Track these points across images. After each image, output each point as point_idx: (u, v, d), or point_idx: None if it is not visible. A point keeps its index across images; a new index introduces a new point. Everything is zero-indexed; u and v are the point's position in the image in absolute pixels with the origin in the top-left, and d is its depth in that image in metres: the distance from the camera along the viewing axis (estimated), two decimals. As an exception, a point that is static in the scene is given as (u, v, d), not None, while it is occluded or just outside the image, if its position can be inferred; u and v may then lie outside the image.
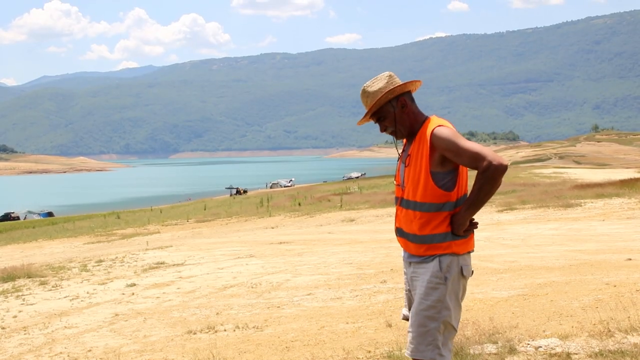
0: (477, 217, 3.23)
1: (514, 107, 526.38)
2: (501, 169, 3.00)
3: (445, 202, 3.14)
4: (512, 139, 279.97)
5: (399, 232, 3.34)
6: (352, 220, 21.17)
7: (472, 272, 3.30)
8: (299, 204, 34.66)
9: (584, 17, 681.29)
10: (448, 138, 3.08)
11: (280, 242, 14.52)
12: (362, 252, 11.47)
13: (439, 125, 3.15)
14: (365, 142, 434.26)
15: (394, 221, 3.42)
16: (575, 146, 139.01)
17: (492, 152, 3.04)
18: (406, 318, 3.39)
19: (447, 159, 3.12)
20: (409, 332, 3.20)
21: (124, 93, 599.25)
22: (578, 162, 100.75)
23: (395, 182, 3.41)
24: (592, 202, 19.44)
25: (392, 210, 23.58)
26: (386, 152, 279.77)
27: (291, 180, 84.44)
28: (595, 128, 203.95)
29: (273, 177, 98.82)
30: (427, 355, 3.11)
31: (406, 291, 3.42)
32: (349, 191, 43.84)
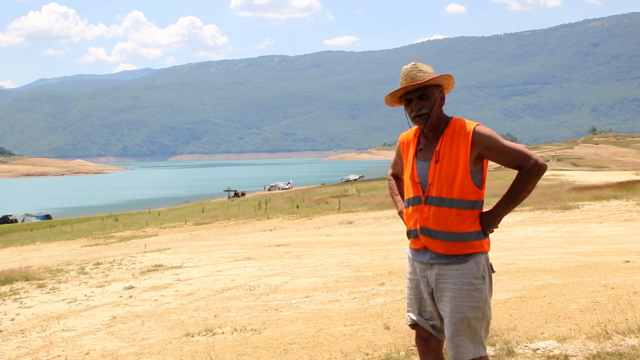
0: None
1: (511, 109, 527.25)
2: (544, 168, 3.11)
3: (477, 200, 3.14)
4: (510, 141, 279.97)
5: (425, 232, 3.20)
6: (350, 223, 21.16)
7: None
8: (297, 207, 34.66)
9: (582, 19, 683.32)
10: (491, 136, 3.12)
11: (278, 245, 14.51)
12: (360, 254, 11.47)
13: (478, 125, 3.16)
14: (363, 144, 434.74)
15: (409, 222, 3.29)
16: (573, 148, 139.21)
17: (534, 153, 3.11)
18: (414, 324, 3.30)
19: (479, 158, 3.13)
20: (453, 337, 3.12)
21: (122, 95, 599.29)
22: (576, 165, 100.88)
23: (411, 180, 3.28)
24: (589, 205, 19.47)
25: (391, 212, 23.56)
26: (384, 155, 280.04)
27: (289, 183, 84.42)
28: (593, 130, 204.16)
29: (271, 180, 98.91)
30: (477, 354, 3.12)
31: (414, 296, 3.31)
32: (347, 193, 43.85)
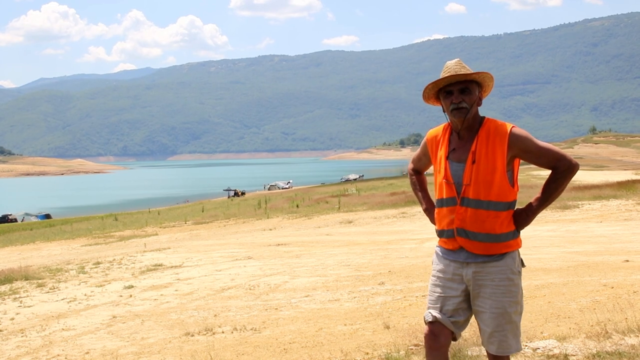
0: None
1: (511, 109, 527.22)
2: (577, 167, 3.20)
3: (513, 201, 3.19)
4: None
5: (462, 233, 3.19)
6: (350, 222, 21.16)
7: None
8: (297, 206, 34.66)
9: (582, 19, 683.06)
10: (528, 138, 3.18)
11: (278, 244, 14.51)
12: (360, 254, 11.47)
13: (514, 127, 3.19)
14: (362, 144, 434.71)
15: (442, 222, 3.28)
16: (572, 148, 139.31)
17: (567, 152, 3.18)
18: (435, 321, 3.24)
19: (512, 159, 3.17)
20: (495, 332, 3.16)
21: (121, 95, 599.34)
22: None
23: (444, 180, 3.26)
24: (589, 204, 19.48)
25: (391, 212, 23.59)
26: (384, 154, 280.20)
27: (289, 182, 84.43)
28: (593, 130, 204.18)
29: (271, 179, 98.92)
30: (519, 348, 3.21)
31: (439, 293, 3.27)
32: (346, 193, 43.86)
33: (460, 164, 3.20)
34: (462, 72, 3.18)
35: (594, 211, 17.53)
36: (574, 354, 4.40)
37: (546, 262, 8.85)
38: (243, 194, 67.85)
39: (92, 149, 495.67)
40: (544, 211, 18.84)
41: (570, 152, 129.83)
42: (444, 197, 3.26)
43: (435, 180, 3.35)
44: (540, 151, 3.16)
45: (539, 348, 4.56)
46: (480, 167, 3.13)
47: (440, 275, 3.31)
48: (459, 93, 3.20)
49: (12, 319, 7.45)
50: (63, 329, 6.73)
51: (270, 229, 21.74)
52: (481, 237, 3.15)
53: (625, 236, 11.55)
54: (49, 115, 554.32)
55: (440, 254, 3.34)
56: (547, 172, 3.25)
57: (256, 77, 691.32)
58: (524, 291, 6.70)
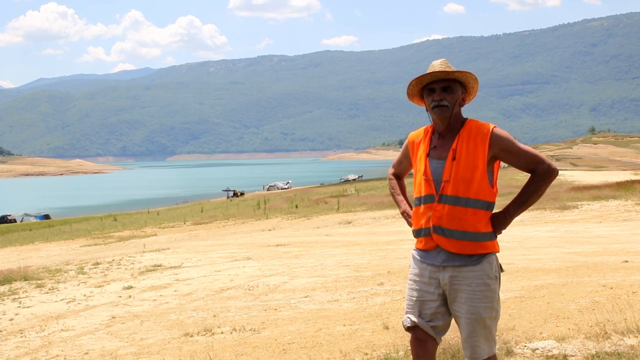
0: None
1: (510, 109, 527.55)
2: (556, 173, 3.16)
3: (492, 202, 3.16)
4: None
5: (438, 230, 3.18)
6: (349, 223, 21.17)
7: None
8: (296, 206, 34.66)
9: (581, 19, 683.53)
10: (508, 138, 3.15)
11: (277, 245, 14.51)
12: (359, 254, 11.47)
13: (496, 127, 3.18)
14: (362, 144, 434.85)
15: (419, 220, 3.26)
16: (572, 148, 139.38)
17: (547, 157, 3.15)
18: (414, 326, 3.23)
19: (492, 159, 3.16)
20: (469, 337, 3.14)
21: (121, 95, 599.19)
22: (575, 164, 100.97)
23: (424, 177, 3.25)
24: (588, 204, 19.48)
25: (390, 212, 23.58)
26: (383, 154, 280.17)
27: (288, 183, 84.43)
28: (592, 130, 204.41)
29: (270, 180, 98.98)
30: (491, 352, 3.19)
31: (416, 298, 3.26)
32: (346, 193, 43.87)
33: (440, 161, 3.20)
34: (446, 70, 3.20)
35: (593, 212, 17.54)
36: (573, 354, 4.40)
37: (545, 262, 8.85)
38: (242, 194, 67.86)
39: (91, 149, 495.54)
40: (542, 212, 18.78)
41: (569, 152, 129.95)
42: (422, 194, 3.25)
43: (415, 179, 3.34)
44: (519, 152, 3.14)
45: (538, 348, 4.57)
46: (460, 164, 3.13)
47: (417, 279, 3.29)
48: (441, 91, 3.21)
49: (11, 319, 7.44)
50: (62, 330, 6.73)
51: (270, 230, 21.74)
52: (457, 234, 3.13)
53: (624, 237, 11.56)
54: (48, 116, 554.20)
55: (417, 257, 3.31)
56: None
57: (255, 77, 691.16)
58: (523, 291, 6.73)
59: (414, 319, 3.25)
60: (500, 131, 3.15)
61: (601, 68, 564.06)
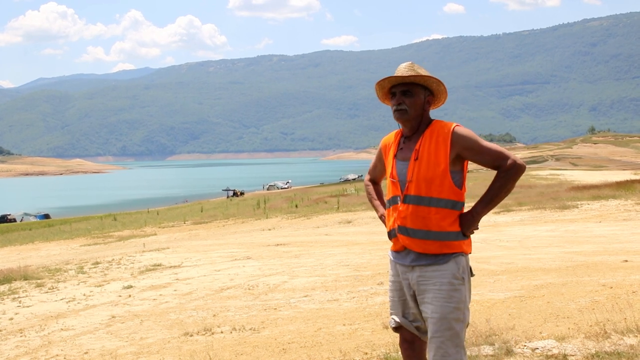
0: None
1: (510, 109, 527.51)
2: (523, 168, 3.12)
3: (458, 201, 3.14)
4: (508, 140, 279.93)
5: (402, 230, 3.21)
6: (349, 222, 21.17)
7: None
8: (296, 206, 34.66)
9: (580, 19, 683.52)
10: (470, 137, 3.13)
11: (277, 244, 14.51)
12: (359, 253, 11.47)
13: (458, 125, 3.18)
14: (361, 143, 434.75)
15: (389, 222, 3.32)
16: (571, 148, 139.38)
17: (513, 153, 3.11)
18: (398, 326, 3.30)
19: (458, 158, 3.14)
20: (433, 338, 3.11)
21: (120, 95, 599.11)
22: (574, 164, 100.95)
23: (390, 179, 3.30)
24: (588, 204, 19.48)
25: (389, 212, 23.56)
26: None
27: (288, 182, 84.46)
28: (592, 130, 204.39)
29: (270, 179, 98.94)
30: (457, 358, 3.10)
31: (397, 298, 3.31)
32: (345, 193, 43.85)
33: (405, 162, 3.23)
34: (409, 73, 3.22)
35: (593, 211, 17.54)
36: (572, 354, 4.40)
37: (545, 262, 8.85)
38: (242, 194, 67.85)
39: (90, 149, 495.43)
40: (542, 211, 18.74)
41: (569, 151, 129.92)
42: (390, 196, 3.30)
43: (387, 181, 3.38)
44: (482, 150, 3.12)
45: (537, 348, 4.57)
46: (422, 164, 3.15)
47: (393, 279, 3.34)
48: (400, 95, 3.24)
49: (11, 319, 7.44)
50: (62, 329, 6.73)
51: (269, 229, 21.74)
52: (420, 234, 3.14)
53: (624, 236, 11.56)
54: (48, 115, 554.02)
55: (391, 258, 3.35)
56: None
57: (255, 77, 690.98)
58: (523, 291, 6.73)
59: (397, 319, 3.31)
60: (462, 130, 3.15)
61: (601, 68, 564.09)
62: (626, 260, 8.42)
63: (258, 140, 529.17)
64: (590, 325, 5.04)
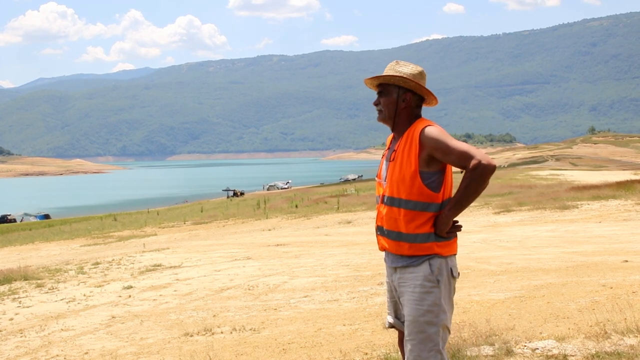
0: (474, 219, 3.24)
1: (510, 109, 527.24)
2: (490, 168, 3.00)
3: (430, 203, 3.11)
4: (508, 140, 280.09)
5: (380, 230, 3.28)
6: (349, 222, 21.17)
7: (459, 273, 3.26)
8: (296, 206, 34.66)
9: (580, 19, 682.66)
10: (437, 137, 3.09)
11: (277, 244, 14.51)
12: (359, 254, 11.47)
13: (428, 125, 3.16)
14: (362, 144, 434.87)
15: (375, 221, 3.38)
16: (571, 148, 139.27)
17: (482, 152, 3.03)
18: (392, 326, 3.36)
19: (434, 159, 3.11)
20: (406, 340, 3.13)
21: (120, 95, 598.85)
22: (574, 164, 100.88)
23: (376, 179, 3.38)
24: (588, 204, 19.48)
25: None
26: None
27: (288, 182, 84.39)
28: (592, 130, 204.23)
29: (270, 179, 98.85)
30: None
31: (389, 299, 3.37)
32: (345, 193, 43.84)
33: (387, 162, 3.28)
34: (385, 74, 3.27)
35: (593, 211, 17.54)
36: (572, 354, 4.40)
37: (545, 262, 8.85)
38: (242, 194, 67.82)
39: (91, 149, 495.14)
40: (542, 211, 18.73)
41: (569, 151, 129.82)
42: (376, 195, 3.37)
43: None
44: (448, 149, 3.05)
45: (537, 348, 4.57)
46: (396, 165, 3.17)
47: (386, 280, 3.40)
48: (378, 95, 3.31)
49: (11, 319, 7.44)
50: (62, 330, 6.73)
51: (269, 229, 21.74)
52: (393, 235, 3.19)
53: (624, 236, 11.56)
54: (48, 115, 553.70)
55: (384, 258, 3.40)
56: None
57: (255, 77, 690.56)
58: (523, 291, 6.72)
59: (390, 319, 3.37)
60: (431, 130, 3.12)
61: (601, 68, 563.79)
62: (626, 261, 8.42)
63: (258, 141, 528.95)
64: (591, 326, 5.05)
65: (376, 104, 3.30)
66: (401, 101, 3.24)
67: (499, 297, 6.55)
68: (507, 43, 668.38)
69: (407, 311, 3.14)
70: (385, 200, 3.22)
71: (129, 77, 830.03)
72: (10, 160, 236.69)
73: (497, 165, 3.09)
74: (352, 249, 12.41)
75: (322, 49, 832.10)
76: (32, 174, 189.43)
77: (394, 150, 3.22)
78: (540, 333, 5.02)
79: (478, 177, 3.00)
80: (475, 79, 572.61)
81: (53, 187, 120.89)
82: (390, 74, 3.25)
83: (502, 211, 19.74)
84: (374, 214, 23.85)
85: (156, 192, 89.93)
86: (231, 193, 68.03)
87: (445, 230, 3.11)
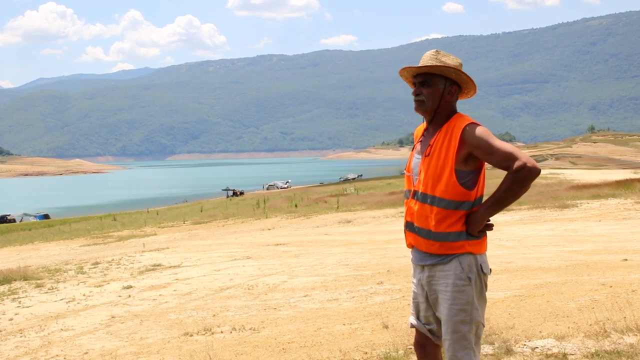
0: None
1: (510, 108, 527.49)
2: (535, 171, 2.92)
3: (464, 201, 3.04)
4: (508, 140, 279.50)
5: (409, 226, 3.18)
6: (348, 222, 21.17)
7: (490, 270, 3.19)
8: (296, 206, 34.67)
9: (580, 18, 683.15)
10: (480, 136, 3.02)
11: (277, 244, 14.51)
12: (358, 253, 11.47)
13: (471, 123, 3.07)
14: (361, 143, 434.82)
15: (404, 215, 3.28)
16: (571, 147, 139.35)
17: (526, 155, 2.96)
18: (413, 327, 3.26)
19: (471, 158, 3.04)
20: (443, 339, 3.09)
21: (120, 95, 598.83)
22: (574, 163, 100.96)
23: (405, 172, 3.27)
24: (588, 203, 19.48)
25: (389, 211, 23.59)
26: (383, 154, 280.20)
27: (288, 182, 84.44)
28: (591, 129, 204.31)
29: (270, 179, 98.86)
30: None
31: (413, 299, 3.27)
32: (345, 192, 43.86)
33: (420, 156, 3.18)
34: (427, 64, 3.14)
35: (593, 210, 17.54)
36: (572, 353, 4.40)
37: (545, 261, 8.86)
38: (242, 193, 67.85)
39: (90, 149, 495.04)
40: (542, 210, 18.71)
41: (569, 150, 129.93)
42: (405, 189, 3.28)
43: None
44: (492, 149, 2.97)
45: (537, 347, 4.57)
46: (432, 160, 3.07)
47: (413, 280, 3.29)
48: (419, 85, 3.17)
49: (11, 319, 7.44)
50: (62, 329, 6.73)
51: (269, 229, 21.74)
52: (423, 233, 3.10)
53: (623, 235, 11.57)
54: (48, 116, 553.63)
55: (411, 256, 3.29)
56: (544, 172, 3.13)
57: (254, 76, 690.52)
58: (522, 290, 6.72)
59: (413, 321, 3.27)
60: (474, 128, 3.04)
61: (600, 67, 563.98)
62: (626, 259, 8.42)
63: (258, 140, 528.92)
64: (590, 324, 5.05)
65: (417, 93, 3.17)
66: (447, 93, 3.16)
67: (499, 296, 6.55)
68: (507, 42, 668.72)
69: (441, 310, 3.09)
70: (417, 196, 3.13)
71: (128, 77, 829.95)
72: (10, 161, 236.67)
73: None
74: (351, 249, 12.40)
75: (321, 49, 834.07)
76: (31, 174, 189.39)
77: (429, 144, 3.12)
78: (540, 332, 5.02)
79: (521, 179, 2.92)
80: (475, 78, 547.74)
81: (52, 187, 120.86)
82: (435, 64, 3.13)
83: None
84: (373, 213, 23.96)
85: (156, 192, 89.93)
86: (231, 193, 68.05)
87: (478, 229, 3.05)
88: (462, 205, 3.05)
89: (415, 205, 3.13)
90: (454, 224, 3.05)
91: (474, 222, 3.04)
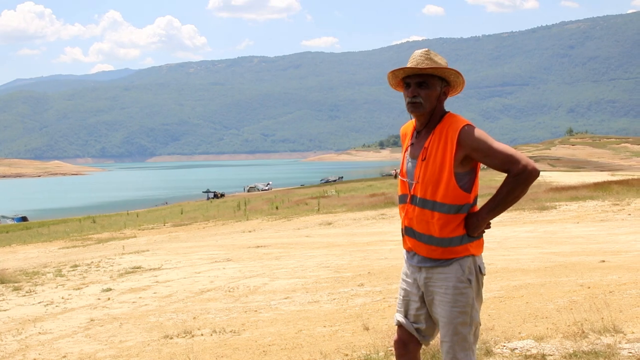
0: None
1: (489, 110, 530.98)
2: (535, 173, 2.93)
3: (464, 204, 3.02)
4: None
5: (409, 231, 3.14)
6: (329, 224, 21.18)
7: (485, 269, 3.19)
8: (277, 208, 34.62)
9: (559, 21, 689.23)
10: (479, 138, 2.98)
11: (258, 246, 14.48)
12: (339, 255, 11.48)
13: (468, 124, 3.02)
14: (342, 145, 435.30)
15: (401, 219, 3.25)
16: (550, 149, 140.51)
17: (526, 157, 2.95)
18: (400, 325, 3.24)
19: (468, 159, 3.00)
20: (442, 342, 3.08)
21: (99, 96, 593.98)
22: (553, 165, 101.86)
23: (400, 176, 3.22)
24: (566, 205, 19.67)
25: (370, 213, 23.63)
26: (363, 156, 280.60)
27: (269, 184, 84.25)
28: (570, 131, 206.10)
29: (250, 181, 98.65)
30: None
31: (402, 297, 3.24)
32: (326, 194, 43.86)
33: (414, 160, 3.12)
34: (422, 65, 3.07)
35: (571, 212, 17.71)
36: (551, 353, 4.44)
37: (524, 262, 8.92)
38: (222, 195, 67.59)
39: (69, 150, 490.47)
40: (521, 212, 18.87)
41: (548, 153, 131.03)
42: (400, 193, 3.23)
43: None
44: (491, 151, 2.94)
45: (516, 348, 4.60)
46: (429, 164, 3.03)
47: (404, 277, 3.27)
48: (415, 86, 3.09)
49: (-12, 323, 7.35)
50: (40, 333, 6.66)
51: (250, 231, 21.69)
52: (425, 238, 3.07)
53: (601, 237, 11.69)
54: (26, 117, 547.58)
55: (404, 255, 3.28)
56: (543, 174, 3.12)
57: (235, 78, 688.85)
58: (502, 292, 6.77)
59: (400, 318, 3.24)
60: (471, 130, 3.00)
61: (579, 70, 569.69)
62: (603, 261, 8.51)
63: (239, 142, 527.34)
64: (568, 325, 5.09)
65: (414, 95, 3.07)
66: (442, 94, 3.13)
67: (479, 298, 6.58)
68: (487, 45, 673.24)
69: (439, 312, 3.07)
70: (415, 201, 3.08)
71: (108, 78, 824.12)
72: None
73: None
74: (332, 250, 12.41)
75: (302, 50, 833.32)
76: (9, 176, 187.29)
77: (424, 147, 3.07)
78: (519, 333, 5.06)
79: (522, 182, 2.91)
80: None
81: (31, 189, 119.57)
82: (432, 65, 3.07)
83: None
84: (354, 215, 23.98)
85: (136, 194, 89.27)
86: (211, 195, 67.77)
87: (478, 231, 3.04)
88: (462, 208, 3.03)
89: (414, 211, 3.10)
90: (456, 228, 3.03)
91: (475, 225, 3.04)
